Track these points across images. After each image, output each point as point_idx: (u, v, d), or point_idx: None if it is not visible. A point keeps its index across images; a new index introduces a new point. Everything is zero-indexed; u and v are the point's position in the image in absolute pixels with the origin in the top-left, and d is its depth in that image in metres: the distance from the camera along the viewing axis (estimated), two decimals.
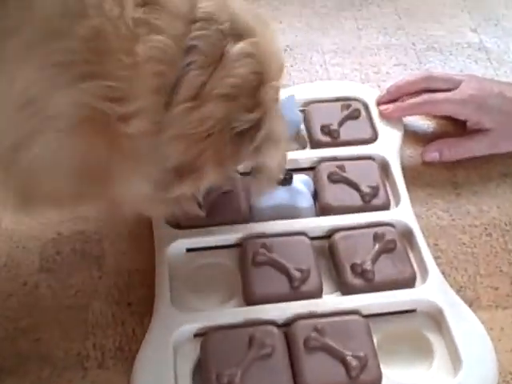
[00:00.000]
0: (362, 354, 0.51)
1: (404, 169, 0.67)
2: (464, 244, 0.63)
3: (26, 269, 0.60)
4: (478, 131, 0.68)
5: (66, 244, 0.62)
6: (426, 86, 0.70)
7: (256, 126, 0.50)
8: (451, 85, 0.69)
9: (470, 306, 0.57)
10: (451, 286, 0.58)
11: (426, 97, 0.69)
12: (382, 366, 0.51)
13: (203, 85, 0.47)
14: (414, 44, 0.82)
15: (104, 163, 0.47)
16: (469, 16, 0.86)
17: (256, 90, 0.49)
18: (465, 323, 0.54)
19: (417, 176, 0.68)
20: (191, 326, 0.54)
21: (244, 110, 0.49)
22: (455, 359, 0.52)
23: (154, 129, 0.47)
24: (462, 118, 0.70)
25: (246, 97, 0.49)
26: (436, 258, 0.61)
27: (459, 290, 0.59)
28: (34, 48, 0.44)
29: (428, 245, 0.60)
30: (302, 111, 0.70)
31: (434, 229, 0.64)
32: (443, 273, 0.60)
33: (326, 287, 0.57)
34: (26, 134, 0.45)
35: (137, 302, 0.58)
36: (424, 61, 0.80)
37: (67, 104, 0.45)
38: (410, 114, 0.72)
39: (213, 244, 0.59)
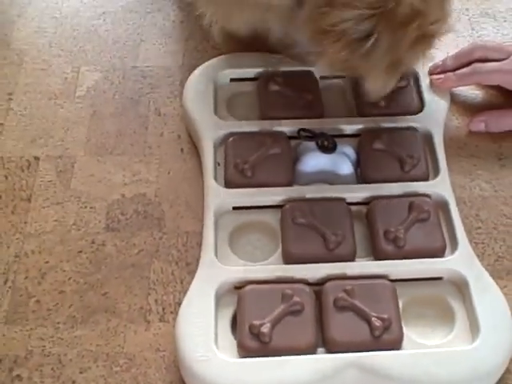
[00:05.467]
0: (386, 316, 0.54)
1: (450, 139, 0.68)
2: (505, 215, 0.64)
3: (93, 228, 0.63)
4: None
5: (129, 205, 0.65)
6: (480, 56, 0.70)
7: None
8: (503, 55, 0.69)
9: (507, 275, 0.59)
10: (489, 255, 0.61)
11: (476, 67, 0.69)
12: (404, 328, 0.55)
13: None
14: (467, 9, 0.80)
15: None
16: None
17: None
18: (487, 295, 0.57)
19: (462, 146, 0.69)
20: (232, 279, 0.58)
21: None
22: (474, 328, 0.55)
23: None
24: (511, 88, 0.70)
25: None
26: (476, 228, 0.63)
27: (496, 260, 0.61)
28: None
29: (469, 215, 0.62)
30: None
31: (477, 200, 0.65)
32: (482, 242, 0.62)
33: (360, 251, 0.60)
34: None
35: (195, 262, 0.60)
36: (477, 27, 0.78)
37: None
38: (461, 85, 0.72)
39: (257, 204, 0.63)
